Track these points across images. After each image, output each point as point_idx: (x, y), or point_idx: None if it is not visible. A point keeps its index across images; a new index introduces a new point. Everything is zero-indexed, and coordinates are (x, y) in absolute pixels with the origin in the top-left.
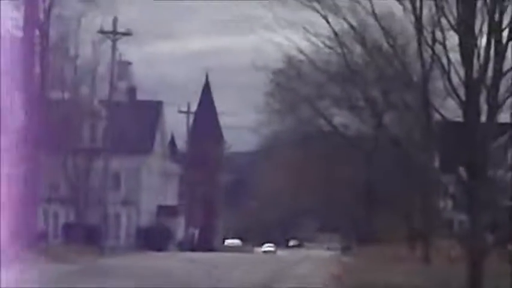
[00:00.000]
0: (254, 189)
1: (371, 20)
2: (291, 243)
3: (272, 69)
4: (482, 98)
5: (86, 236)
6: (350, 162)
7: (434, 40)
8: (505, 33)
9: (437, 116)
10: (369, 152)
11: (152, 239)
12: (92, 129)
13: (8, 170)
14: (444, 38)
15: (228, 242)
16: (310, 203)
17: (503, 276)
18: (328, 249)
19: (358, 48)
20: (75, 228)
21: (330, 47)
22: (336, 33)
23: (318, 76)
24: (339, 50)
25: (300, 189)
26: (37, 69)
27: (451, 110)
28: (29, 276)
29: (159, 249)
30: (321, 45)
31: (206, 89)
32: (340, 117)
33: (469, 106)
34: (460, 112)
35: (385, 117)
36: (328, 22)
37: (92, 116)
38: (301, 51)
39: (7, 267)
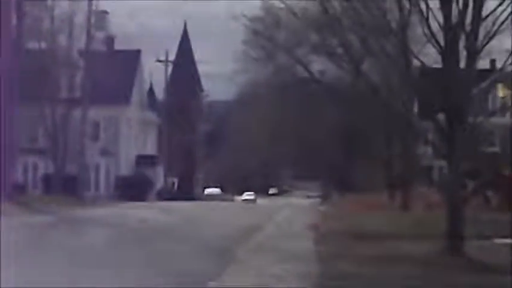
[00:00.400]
0: (233, 138)
1: None
2: (271, 191)
3: (250, 17)
4: (462, 44)
5: (66, 187)
6: (328, 110)
7: None
8: None
9: (416, 63)
10: (347, 99)
11: (132, 188)
12: (69, 79)
13: None
14: None
15: (208, 190)
16: (289, 151)
17: (483, 223)
18: (308, 197)
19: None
20: (55, 179)
21: None
22: None
23: (296, 23)
24: None
25: (279, 137)
26: (13, 19)
27: (430, 56)
28: (6, 228)
29: (139, 199)
30: None
31: (184, 38)
32: (319, 65)
33: (448, 52)
34: (439, 59)
35: (363, 64)
36: None
37: (70, 66)
38: None
39: None
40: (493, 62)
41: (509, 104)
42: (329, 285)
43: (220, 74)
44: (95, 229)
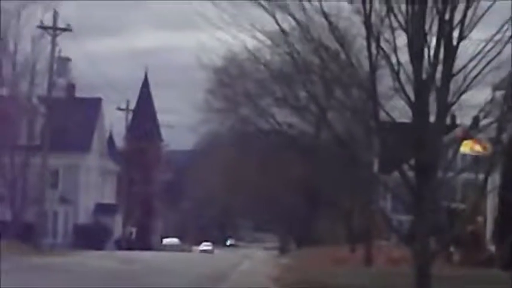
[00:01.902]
0: (192, 188)
1: (319, 18)
2: (228, 242)
3: (214, 67)
4: (431, 98)
5: (23, 234)
6: (290, 162)
7: (379, 39)
8: (456, 33)
9: (383, 116)
10: (310, 151)
11: (90, 237)
12: (30, 125)
13: None
14: (394, 38)
15: (166, 241)
16: (248, 203)
17: (448, 279)
18: (266, 249)
19: (304, 47)
20: (12, 226)
21: (276, 44)
22: (282, 31)
23: (260, 74)
24: (286, 48)
25: (238, 188)
26: None
27: (397, 110)
28: None
29: (97, 248)
30: (268, 42)
31: (145, 87)
32: (282, 116)
33: (418, 106)
34: (405, 113)
35: (328, 116)
36: (275, 19)
37: (30, 113)
38: (245, 48)
39: None
40: (453, 117)
41: (477, 161)
42: None
43: (181, 123)
44: (56, 276)
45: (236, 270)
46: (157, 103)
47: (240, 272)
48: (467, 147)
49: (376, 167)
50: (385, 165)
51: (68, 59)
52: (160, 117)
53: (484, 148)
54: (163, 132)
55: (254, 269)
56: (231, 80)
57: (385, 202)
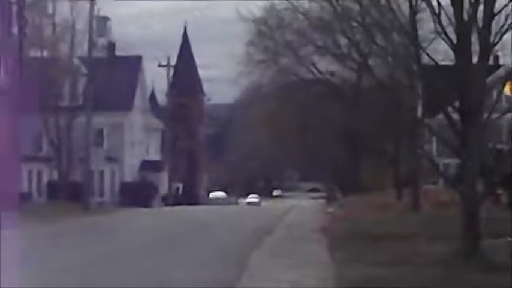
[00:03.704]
0: (236, 141)
1: None
2: (275, 193)
3: (253, 19)
4: (474, 40)
5: (71, 194)
6: (332, 111)
7: None
8: None
9: (425, 59)
10: (352, 98)
11: (137, 194)
12: (72, 86)
13: None
14: None
15: (212, 194)
16: (292, 153)
17: (495, 221)
18: (312, 198)
19: None
20: (59, 186)
21: None
22: None
23: (299, 23)
24: None
25: (282, 139)
26: (15, 29)
27: (440, 53)
28: (12, 238)
29: (144, 205)
30: None
31: (185, 42)
32: (323, 65)
33: (461, 48)
34: (448, 56)
35: (370, 63)
36: None
37: (72, 73)
38: None
39: None
40: (496, 57)
41: None
42: None
43: (222, 77)
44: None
45: (283, 222)
46: (198, 58)
47: (286, 223)
48: (509, 88)
49: (420, 111)
50: (429, 109)
51: (107, 18)
52: (202, 72)
53: None
54: (205, 86)
55: (301, 219)
56: (270, 30)
57: (431, 146)
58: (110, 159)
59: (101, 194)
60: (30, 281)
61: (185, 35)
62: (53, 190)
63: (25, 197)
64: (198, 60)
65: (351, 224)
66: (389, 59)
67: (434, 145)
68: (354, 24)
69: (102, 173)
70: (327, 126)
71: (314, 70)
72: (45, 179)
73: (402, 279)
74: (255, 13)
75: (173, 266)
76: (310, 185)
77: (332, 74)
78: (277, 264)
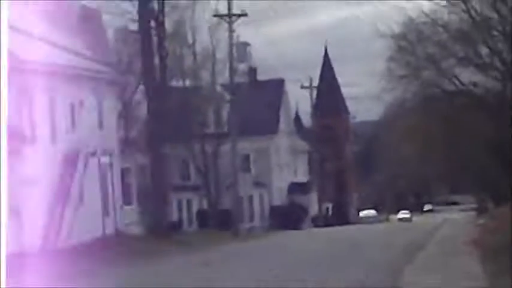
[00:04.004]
0: (383, 158)
1: None
2: (426, 208)
3: (392, 34)
4: None
5: (220, 222)
6: (478, 121)
7: None
8: None
9: None
10: (497, 108)
11: (286, 217)
12: (216, 113)
13: (136, 162)
14: None
15: (363, 213)
16: (441, 167)
17: None
18: (463, 211)
19: (481, 2)
20: (209, 214)
21: (452, 4)
22: None
23: (439, 36)
24: (463, 6)
25: (429, 153)
26: (156, 60)
27: None
28: (166, 268)
29: (294, 227)
30: (443, 2)
31: (326, 62)
32: (465, 76)
33: None
34: None
35: None
36: None
37: (215, 100)
38: (422, 12)
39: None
40: None
41: None
42: None
43: (366, 94)
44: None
45: (433, 237)
46: (340, 77)
47: (437, 237)
48: None
49: None
50: None
51: (246, 44)
52: (345, 91)
53: None
54: (349, 105)
55: (452, 233)
56: (410, 45)
57: None
58: (258, 184)
59: (251, 219)
60: None
61: (326, 55)
62: (203, 218)
63: (176, 226)
64: (340, 79)
65: (502, 235)
66: None
67: None
68: (495, 33)
69: (251, 198)
70: (474, 137)
71: (456, 82)
72: (194, 207)
73: None
74: (394, 29)
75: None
76: (461, 198)
77: (475, 84)
78: (430, 279)
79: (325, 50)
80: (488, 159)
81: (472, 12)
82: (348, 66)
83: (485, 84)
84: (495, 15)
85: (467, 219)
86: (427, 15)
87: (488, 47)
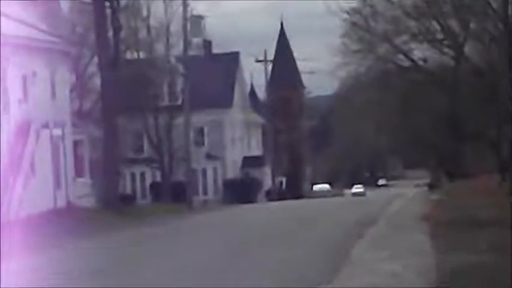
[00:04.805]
0: (338, 132)
1: None
2: (380, 182)
3: (347, 10)
4: None
5: (174, 194)
6: (431, 97)
7: None
8: None
9: None
10: (450, 84)
11: (240, 191)
12: (170, 86)
13: (89, 134)
14: None
15: (316, 187)
16: (395, 141)
17: None
18: (417, 186)
19: None
20: (163, 187)
21: None
22: None
23: (393, 12)
24: None
25: (383, 128)
26: (110, 32)
27: None
28: (120, 241)
29: (248, 201)
30: None
31: (282, 36)
32: (419, 52)
33: None
34: None
35: (465, 48)
36: None
37: (169, 73)
38: None
39: (95, 233)
40: None
41: None
42: (452, 277)
43: (322, 69)
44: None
45: (386, 212)
46: (297, 52)
47: (390, 212)
48: None
49: None
50: None
51: (201, 17)
52: (301, 65)
53: None
54: (305, 79)
55: (405, 208)
56: (364, 20)
57: None
58: (211, 157)
59: (205, 192)
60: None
61: (282, 29)
62: (157, 191)
63: (129, 199)
64: (296, 54)
65: (454, 210)
66: (486, 43)
67: None
68: (445, 10)
69: (204, 171)
70: (428, 112)
71: (411, 57)
72: (148, 180)
73: (505, 266)
74: (347, 5)
75: (276, 259)
76: (415, 172)
77: (425, 60)
78: (378, 254)
79: (281, 25)
80: (442, 134)
81: None
82: (304, 41)
83: (440, 60)
84: None
85: (420, 194)
86: None
87: (440, 24)
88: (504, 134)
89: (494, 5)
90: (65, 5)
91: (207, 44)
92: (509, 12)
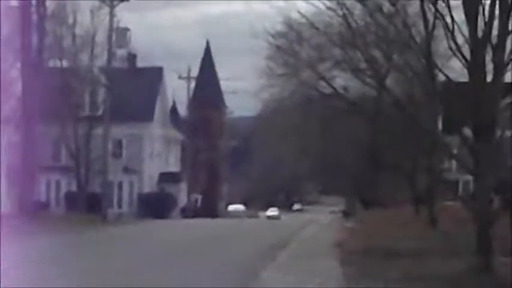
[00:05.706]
0: (257, 154)
1: None
2: (295, 207)
3: (272, 33)
4: (488, 58)
5: (89, 205)
6: (352, 126)
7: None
8: None
9: (441, 77)
10: (371, 114)
11: (155, 206)
12: (91, 96)
13: (7, 139)
14: None
15: (231, 207)
16: (313, 167)
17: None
18: (332, 212)
19: (358, 9)
20: (77, 197)
21: (330, 8)
22: None
23: (318, 39)
24: (340, 12)
25: (302, 153)
26: (35, 38)
27: (455, 70)
28: (30, 248)
29: (162, 217)
30: (322, 6)
31: (207, 54)
32: (342, 80)
33: (475, 66)
34: (464, 73)
35: (387, 79)
36: None
37: (92, 83)
38: (301, 14)
39: (8, 239)
40: None
41: None
42: None
43: (244, 89)
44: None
45: (299, 236)
46: (220, 71)
47: (303, 237)
48: None
49: (440, 128)
50: (447, 127)
51: (126, 29)
52: (225, 84)
53: None
54: (228, 99)
55: (318, 234)
56: (289, 45)
57: (451, 163)
58: (128, 170)
59: (119, 205)
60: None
61: (207, 47)
62: (71, 201)
63: (43, 206)
64: (220, 73)
65: (367, 239)
66: (407, 76)
67: (455, 162)
68: (369, 41)
69: (120, 184)
70: (348, 140)
71: (333, 85)
72: (63, 189)
73: None
74: (272, 28)
75: (183, 278)
76: (331, 199)
77: (346, 89)
78: (289, 280)
79: (207, 43)
80: (360, 163)
81: (349, 17)
82: (229, 60)
83: (362, 90)
84: (372, 23)
85: (335, 221)
86: (304, 16)
87: (362, 54)
88: (419, 166)
89: (418, 39)
90: None
91: (132, 57)
92: (431, 48)
